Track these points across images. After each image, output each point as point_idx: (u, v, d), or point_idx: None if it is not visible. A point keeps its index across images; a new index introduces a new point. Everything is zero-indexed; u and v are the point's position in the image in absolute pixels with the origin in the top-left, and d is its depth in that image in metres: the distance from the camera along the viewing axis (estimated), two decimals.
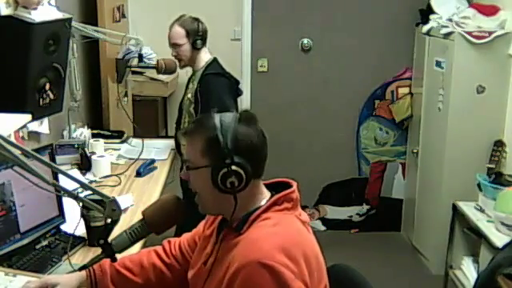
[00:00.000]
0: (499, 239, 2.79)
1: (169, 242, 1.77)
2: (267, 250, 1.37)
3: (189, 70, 3.30)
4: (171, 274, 1.70)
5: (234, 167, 1.42)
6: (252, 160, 1.44)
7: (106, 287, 1.66)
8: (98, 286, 1.66)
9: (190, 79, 3.28)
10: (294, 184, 1.56)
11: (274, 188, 1.54)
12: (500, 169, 3.31)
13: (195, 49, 3.11)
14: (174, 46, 3.10)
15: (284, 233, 1.43)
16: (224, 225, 1.54)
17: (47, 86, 2.40)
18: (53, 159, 2.26)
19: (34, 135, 2.74)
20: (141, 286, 1.68)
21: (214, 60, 3.17)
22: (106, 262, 1.63)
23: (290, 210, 1.50)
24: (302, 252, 1.40)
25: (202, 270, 1.55)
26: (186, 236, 1.76)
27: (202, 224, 1.68)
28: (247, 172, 1.42)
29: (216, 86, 3.06)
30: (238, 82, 3.22)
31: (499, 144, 3.37)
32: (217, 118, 1.46)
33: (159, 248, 1.74)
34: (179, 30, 3.08)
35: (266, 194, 1.52)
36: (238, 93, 3.24)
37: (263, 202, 1.49)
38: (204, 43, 3.13)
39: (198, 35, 3.09)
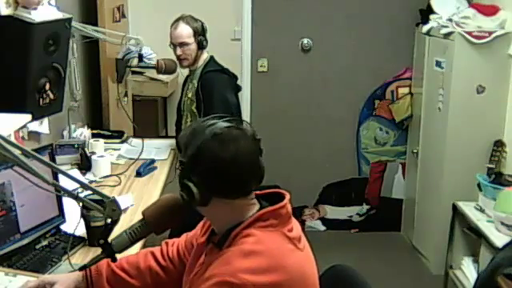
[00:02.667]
0: (499, 239, 2.79)
1: (166, 243, 1.76)
2: (237, 269, 1.35)
3: (184, 71, 3.30)
4: (167, 277, 1.69)
5: (185, 180, 1.42)
6: (216, 179, 1.39)
7: None
8: (94, 286, 1.65)
9: (187, 79, 3.29)
10: (287, 197, 1.50)
11: (267, 199, 1.51)
12: (500, 169, 3.32)
13: (200, 48, 3.12)
14: (180, 45, 3.09)
15: (262, 254, 1.38)
16: (212, 236, 1.54)
17: (47, 86, 2.40)
18: (53, 159, 2.26)
19: (34, 135, 2.74)
20: None
21: (211, 58, 3.18)
22: (104, 262, 1.62)
23: (276, 227, 1.44)
24: (278, 275, 1.36)
25: (191, 278, 1.54)
26: (184, 237, 1.75)
27: (199, 226, 1.67)
28: (201, 189, 1.40)
29: (218, 83, 3.07)
30: (236, 78, 3.23)
31: (499, 144, 3.37)
32: (203, 126, 1.43)
33: (157, 250, 1.74)
34: (187, 29, 3.08)
35: (254, 207, 1.47)
36: (238, 88, 3.24)
37: (249, 215, 1.45)
38: (207, 43, 3.14)
39: (202, 34, 3.11)
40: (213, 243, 1.50)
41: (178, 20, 3.12)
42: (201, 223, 1.66)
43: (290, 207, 1.49)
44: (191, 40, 3.09)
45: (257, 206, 1.48)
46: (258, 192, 1.51)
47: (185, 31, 3.08)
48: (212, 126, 1.42)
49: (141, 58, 3.34)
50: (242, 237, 1.42)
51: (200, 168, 1.40)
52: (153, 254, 1.72)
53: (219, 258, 1.42)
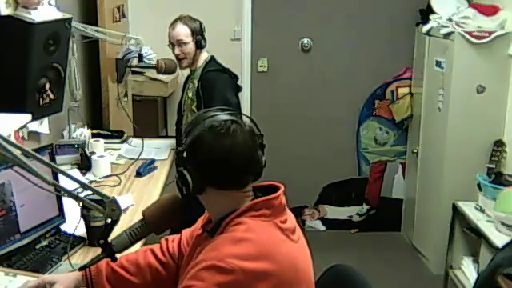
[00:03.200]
0: (499, 239, 2.79)
1: (166, 240, 1.76)
2: (226, 254, 1.36)
3: (185, 71, 3.30)
4: (167, 273, 1.69)
5: (181, 169, 1.45)
6: (210, 170, 1.42)
7: (102, 286, 1.65)
8: (94, 285, 1.66)
9: (187, 79, 3.29)
10: (281, 189, 1.51)
11: (264, 192, 1.51)
12: (500, 169, 3.32)
13: (198, 48, 3.12)
14: (179, 44, 3.10)
15: (252, 241, 1.38)
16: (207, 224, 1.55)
17: (47, 86, 2.40)
18: (53, 159, 2.26)
19: (34, 135, 2.74)
20: (137, 286, 1.68)
21: (212, 58, 3.18)
22: (103, 261, 1.62)
23: (269, 217, 1.45)
24: (268, 263, 1.36)
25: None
26: (185, 232, 1.75)
27: (200, 219, 1.67)
28: (195, 179, 1.43)
29: (218, 82, 3.08)
30: (237, 78, 3.23)
31: (499, 144, 3.37)
32: (204, 117, 1.46)
33: (156, 247, 1.74)
34: (185, 28, 3.09)
35: (249, 199, 1.48)
36: (238, 88, 3.25)
37: (242, 205, 1.46)
38: (206, 42, 3.15)
39: (200, 34, 3.11)
40: (206, 231, 1.52)
41: (175, 20, 3.13)
42: (201, 218, 1.66)
43: (283, 199, 1.50)
44: (189, 39, 3.10)
45: (251, 198, 1.49)
46: (253, 185, 1.52)
47: (183, 31, 3.09)
48: (211, 117, 1.45)
49: (141, 58, 3.35)
50: (233, 225, 1.43)
51: (195, 158, 1.43)
52: (152, 250, 1.72)
53: (210, 244, 1.43)
